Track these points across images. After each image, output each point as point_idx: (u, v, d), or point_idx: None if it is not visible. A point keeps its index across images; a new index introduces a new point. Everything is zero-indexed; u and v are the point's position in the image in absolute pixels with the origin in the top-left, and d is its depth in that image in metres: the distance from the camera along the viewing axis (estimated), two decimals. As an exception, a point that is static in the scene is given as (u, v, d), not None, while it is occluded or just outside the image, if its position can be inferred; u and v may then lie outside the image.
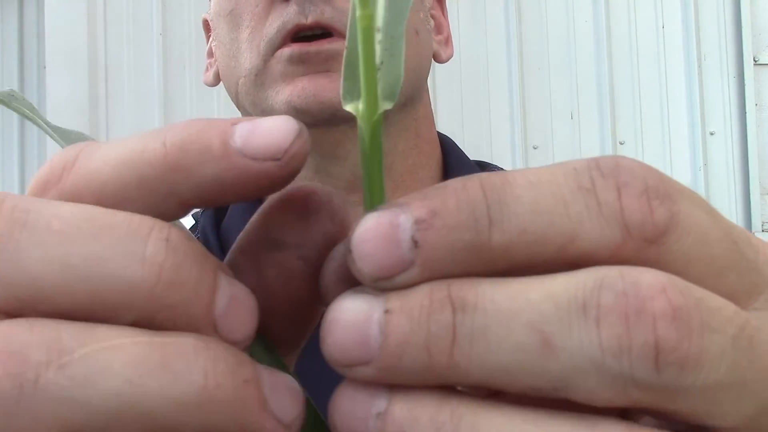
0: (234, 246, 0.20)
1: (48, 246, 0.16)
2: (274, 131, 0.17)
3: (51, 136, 0.24)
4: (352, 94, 0.19)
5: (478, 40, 2.01)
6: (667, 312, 0.15)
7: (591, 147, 2.06)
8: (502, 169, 0.67)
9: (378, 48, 0.19)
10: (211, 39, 0.65)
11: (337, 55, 0.52)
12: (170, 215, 0.18)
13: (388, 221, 0.16)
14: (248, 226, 0.20)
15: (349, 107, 0.19)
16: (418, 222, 0.16)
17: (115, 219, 0.17)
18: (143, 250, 0.16)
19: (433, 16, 0.63)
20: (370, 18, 0.18)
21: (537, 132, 2.06)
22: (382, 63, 0.19)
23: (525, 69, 2.07)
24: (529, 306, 0.15)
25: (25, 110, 0.24)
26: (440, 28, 0.65)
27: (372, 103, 0.18)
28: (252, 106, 0.57)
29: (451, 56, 0.65)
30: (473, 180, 0.16)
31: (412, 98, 0.58)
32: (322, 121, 0.52)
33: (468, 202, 0.16)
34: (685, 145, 2.07)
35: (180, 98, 2.04)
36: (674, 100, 2.08)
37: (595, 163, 0.17)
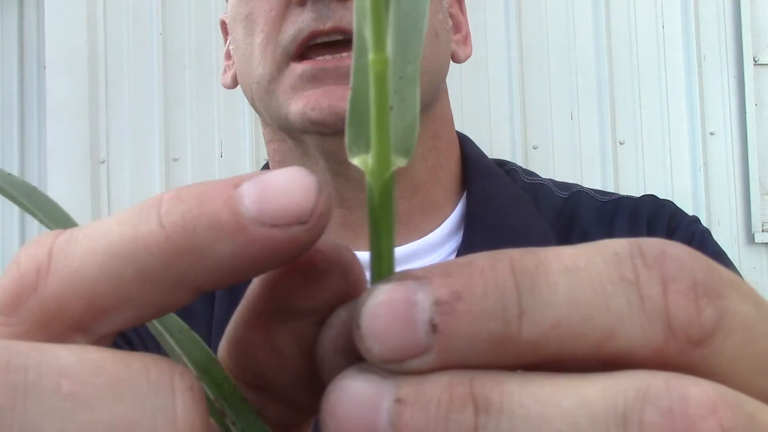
0: (236, 318, 0.18)
1: (63, 416, 0.13)
2: (292, 190, 0.15)
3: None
4: (359, 145, 0.16)
5: (478, 40, 2.01)
6: None
7: (591, 147, 2.06)
8: (518, 167, 0.67)
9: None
10: (228, 41, 0.65)
11: None
12: (182, 303, 0.16)
13: (404, 297, 0.14)
14: (250, 294, 0.18)
15: (356, 161, 0.16)
16: (438, 303, 0.14)
17: (130, 369, 0.14)
18: (173, 406, 0.14)
19: (451, 15, 0.62)
20: (385, 63, 0.15)
21: (537, 132, 2.06)
22: (391, 108, 0.16)
23: (525, 69, 2.07)
24: (562, 414, 0.14)
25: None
26: (459, 26, 0.64)
27: (384, 158, 0.16)
28: (266, 111, 0.56)
29: (470, 55, 0.64)
30: (503, 260, 0.14)
31: (431, 100, 0.57)
32: (338, 131, 0.51)
33: (497, 286, 0.14)
34: (685, 145, 2.07)
35: (180, 98, 2.04)
36: (674, 100, 2.08)
37: (639, 249, 0.15)
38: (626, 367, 0.14)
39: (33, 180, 2.25)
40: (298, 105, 0.52)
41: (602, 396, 0.14)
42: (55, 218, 0.19)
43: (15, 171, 2.27)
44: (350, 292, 0.17)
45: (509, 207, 0.59)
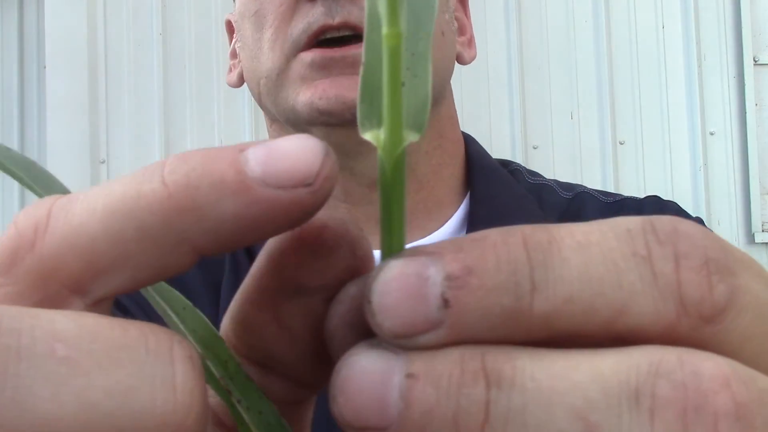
0: (240, 296, 0.18)
1: (58, 380, 0.13)
2: (298, 153, 0.15)
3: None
4: (371, 121, 0.16)
5: (478, 40, 2.00)
6: (731, 410, 0.13)
7: (591, 147, 2.06)
8: (522, 167, 0.68)
9: None
10: (234, 40, 0.65)
11: None
12: (181, 267, 0.15)
13: (415, 272, 0.14)
14: (255, 271, 0.18)
15: (368, 135, 0.16)
16: (450, 278, 0.14)
17: (127, 335, 0.14)
18: (172, 374, 0.14)
19: (456, 18, 0.63)
20: (398, 37, 0.15)
21: (537, 132, 2.06)
22: (403, 84, 0.16)
23: (525, 69, 2.07)
24: (574, 388, 0.13)
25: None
26: (463, 29, 0.65)
27: (396, 133, 0.15)
28: (274, 106, 0.56)
29: (474, 57, 0.65)
30: (516, 235, 0.14)
31: (436, 99, 0.58)
32: (345, 122, 0.52)
33: (509, 261, 0.14)
34: (685, 145, 2.07)
35: (180, 98, 2.04)
36: (674, 100, 2.08)
37: (651, 226, 0.15)
38: (638, 343, 0.14)
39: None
40: (306, 95, 0.52)
41: (614, 370, 0.14)
42: (55, 191, 0.19)
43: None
44: (359, 267, 0.17)
45: (512, 207, 0.60)
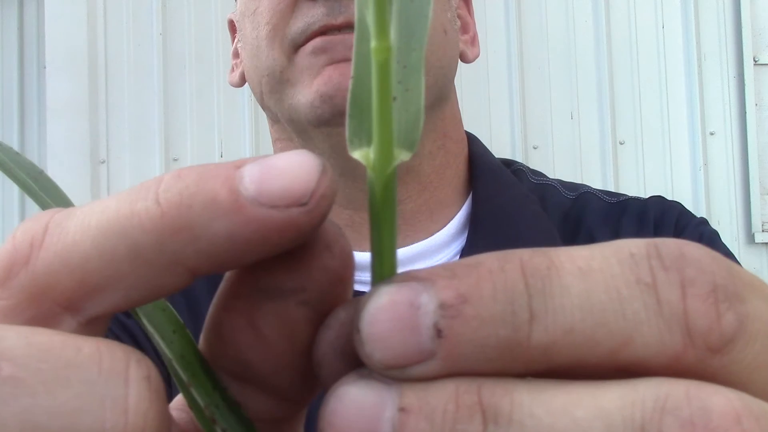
0: (215, 303, 0.17)
1: (1, 399, 0.13)
2: (293, 170, 0.14)
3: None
4: (360, 138, 0.15)
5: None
6: None
7: (591, 147, 2.06)
8: (525, 167, 0.67)
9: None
10: (236, 39, 0.65)
11: None
12: (175, 286, 0.15)
13: (406, 300, 0.13)
14: (228, 276, 0.17)
15: (356, 154, 0.15)
16: (443, 307, 0.13)
17: (80, 354, 0.13)
18: (125, 395, 0.13)
19: (459, 16, 0.63)
20: (387, 51, 0.14)
21: (537, 132, 2.06)
22: (395, 99, 0.15)
23: (525, 69, 2.07)
24: (576, 426, 0.13)
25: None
26: (466, 27, 0.65)
27: (386, 151, 0.15)
28: (278, 104, 0.56)
29: (478, 56, 0.65)
30: (513, 261, 0.14)
31: (440, 99, 0.57)
32: (344, 116, 0.51)
33: (506, 289, 0.13)
34: (685, 145, 2.07)
35: (180, 98, 2.04)
36: (674, 100, 2.08)
37: (656, 251, 0.14)
38: (642, 375, 0.13)
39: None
40: (313, 86, 0.52)
41: (618, 406, 0.13)
42: (60, 204, 0.18)
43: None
44: (337, 267, 0.16)
45: (515, 207, 0.59)
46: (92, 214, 0.15)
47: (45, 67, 2.05)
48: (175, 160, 2.02)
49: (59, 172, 1.98)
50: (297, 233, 0.14)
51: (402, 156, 0.15)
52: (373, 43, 0.14)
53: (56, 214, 0.15)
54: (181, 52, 2.04)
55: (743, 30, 2.09)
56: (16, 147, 2.25)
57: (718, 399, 0.13)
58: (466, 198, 0.61)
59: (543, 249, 0.14)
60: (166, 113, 2.03)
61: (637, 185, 2.05)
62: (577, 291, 0.13)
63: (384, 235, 0.15)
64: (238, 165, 0.14)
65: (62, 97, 2.00)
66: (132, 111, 2.03)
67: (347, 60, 0.51)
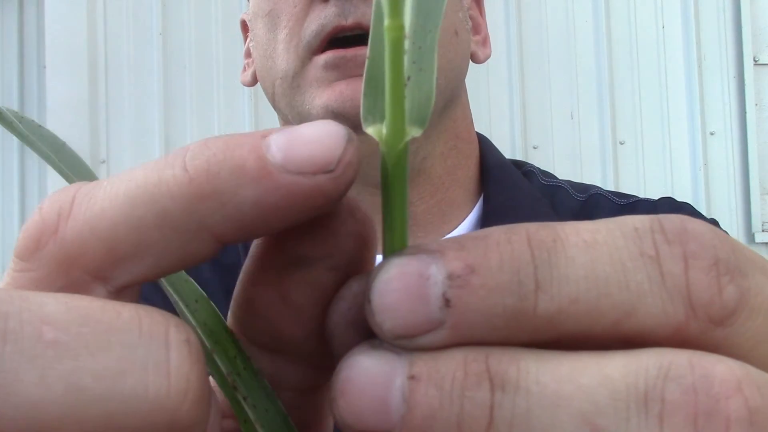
0: (243, 278, 0.18)
1: (44, 363, 0.13)
2: (320, 138, 0.15)
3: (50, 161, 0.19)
4: (374, 115, 0.16)
5: (478, 40, 2.01)
6: (743, 415, 0.13)
7: (591, 147, 2.06)
8: (536, 168, 0.67)
9: (405, 60, 0.15)
10: (248, 39, 0.65)
11: None
12: (203, 255, 0.15)
13: (416, 271, 0.14)
14: (255, 250, 0.18)
15: (370, 130, 0.16)
16: (452, 277, 0.14)
17: (120, 318, 0.14)
18: (166, 359, 0.14)
19: (471, 17, 0.63)
20: (400, 29, 0.15)
21: (537, 132, 2.06)
22: (409, 78, 0.16)
23: (525, 69, 2.07)
24: (581, 392, 0.13)
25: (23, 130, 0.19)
26: (478, 28, 0.65)
27: (398, 128, 0.15)
28: (288, 107, 0.56)
29: (489, 56, 0.65)
30: (519, 233, 0.14)
31: (451, 100, 0.57)
32: (359, 126, 0.51)
33: (512, 259, 0.14)
34: (685, 145, 2.07)
35: (180, 98, 2.04)
36: (674, 100, 2.08)
37: (659, 225, 0.14)
38: (645, 345, 0.14)
39: (33, 180, 2.25)
40: (323, 98, 0.52)
41: (622, 373, 0.13)
42: (82, 175, 0.19)
43: (15, 171, 2.27)
44: (362, 232, 0.17)
45: (525, 209, 0.59)
46: (120, 183, 0.15)
47: (45, 67, 2.05)
48: (175, 160, 2.03)
49: (59, 172, 1.98)
50: (323, 200, 0.15)
51: (413, 132, 0.16)
52: (386, 22, 0.15)
53: (83, 186, 0.15)
54: (181, 52, 2.04)
55: (743, 30, 2.09)
56: (16, 147, 2.25)
57: (720, 367, 0.13)
58: (478, 199, 0.62)
59: (549, 223, 0.15)
60: (166, 113, 2.03)
61: (637, 185, 2.05)
62: (582, 262, 0.14)
63: (395, 209, 0.16)
64: (264, 134, 0.15)
65: (62, 97, 2.00)
66: (132, 111, 2.03)
67: (359, 75, 0.51)
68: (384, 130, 0.16)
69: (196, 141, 0.15)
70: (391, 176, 0.15)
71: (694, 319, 0.14)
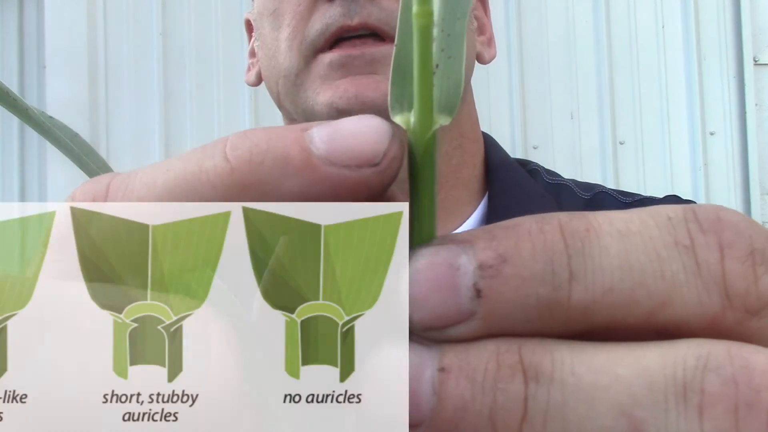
0: None
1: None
2: (364, 131, 0.15)
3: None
4: (402, 104, 0.16)
5: (478, 40, 2.01)
6: None
7: (591, 147, 2.05)
8: (541, 167, 0.67)
9: (433, 48, 0.15)
10: (253, 39, 0.65)
11: (383, 59, 0.51)
12: None
13: (446, 262, 0.14)
14: None
15: (398, 119, 0.16)
16: (483, 267, 0.13)
17: None
18: None
19: (476, 17, 0.63)
20: (429, 15, 0.15)
21: (537, 132, 2.05)
22: (437, 66, 0.16)
23: (525, 69, 2.06)
24: (618, 383, 0.13)
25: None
26: (483, 28, 0.65)
27: (427, 116, 0.15)
28: (293, 105, 0.56)
29: (494, 57, 0.65)
30: (552, 222, 0.14)
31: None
32: None
33: (545, 249, 0.13)
34: (685, 145, 2.07)
35: (180, 98, 2.03)
36: (674, 100, 2.08)
37: (693, 214, 0.14)
38: (680, 336, 0.13)
39: (33, 180, 2.25)
40: (327, 95, 0.52)
41: (660, 364, 0.13)
42: (97, 163, 0.19)
43: (15, 171, 2.27)
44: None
45: (530, 207, 0.59)
46: (156, 173, 0.15)
47: (45, 67, 2.05)
48: (175, 160, 2.02)
49: (59, 172, 1.98)
50: (367, 194, 0.15)
51: (442, 120, 0.16)
52: (414, 8, 0.15)
53: (116, 176, 0.15)
54: (181, 52, 2.04)
55: (743, 30, 2.09)
56: (16, 146, 2.25)
57: (759, 358, 0.13)
58: (482, 197, 0.62)
59: (581, 212, 0.14)
60: (166, 113, 2.03)
61: (637, 185, 2.05)
62: (616, 251, 0.13)
63: (423, 199, 0.15)
64: (305, 128, 0.15)
65: (62, 97, 1.99)
66: (132, 111, 2.03)
67: (364, 74, 0.51)
68: (412, 119, 0.16)
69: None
70: (419, 165, 0.15)
71: (730, 309, 0.14)
